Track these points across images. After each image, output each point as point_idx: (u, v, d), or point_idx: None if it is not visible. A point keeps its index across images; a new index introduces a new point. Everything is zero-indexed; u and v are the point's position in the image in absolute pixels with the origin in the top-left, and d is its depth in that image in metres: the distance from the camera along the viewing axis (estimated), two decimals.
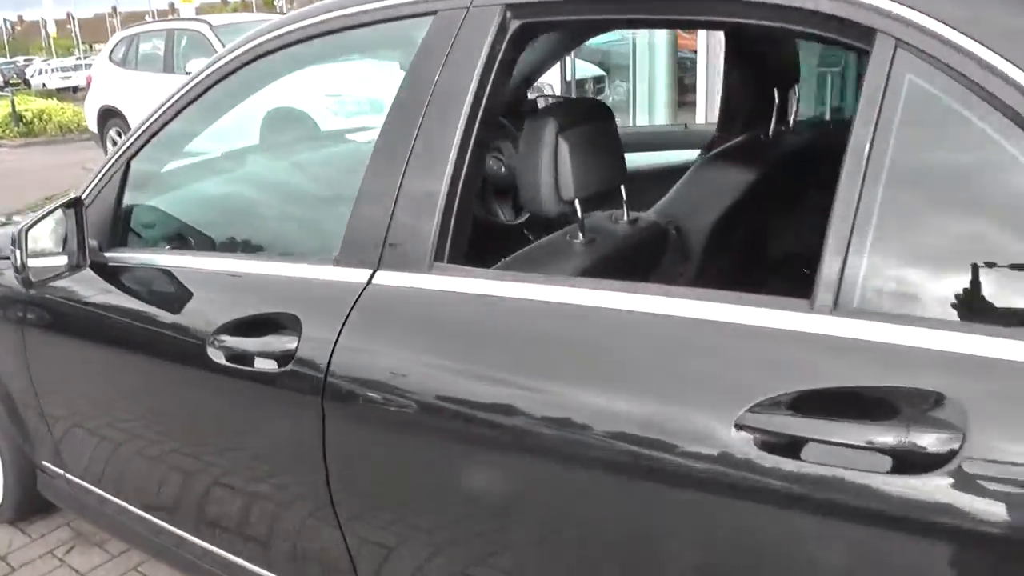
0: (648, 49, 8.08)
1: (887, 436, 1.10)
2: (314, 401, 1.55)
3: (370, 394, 1.50)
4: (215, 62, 1.86)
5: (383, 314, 1.54)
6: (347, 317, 1.53)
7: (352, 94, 7.13)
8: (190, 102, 1.88)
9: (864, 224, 1.18)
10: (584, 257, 1.75)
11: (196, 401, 1.82)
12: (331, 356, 1.53)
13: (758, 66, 2.52)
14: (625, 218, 1.95)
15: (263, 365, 1.62)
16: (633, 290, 1.35)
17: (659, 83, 8.10)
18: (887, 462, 1.10)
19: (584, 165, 1.69)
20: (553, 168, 1.66)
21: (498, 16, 1.53)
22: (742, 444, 1.17)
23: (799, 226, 2.75)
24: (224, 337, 1.67)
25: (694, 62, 8.08)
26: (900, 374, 1.13)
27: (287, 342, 1.58)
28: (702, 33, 7.12)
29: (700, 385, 1.25)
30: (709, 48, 7.18)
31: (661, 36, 7.83)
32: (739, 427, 1.18)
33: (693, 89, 8.15)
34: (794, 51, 2.64)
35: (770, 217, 2.51)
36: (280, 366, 1.59)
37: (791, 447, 1.15)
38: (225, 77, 1.84)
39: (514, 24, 1.54)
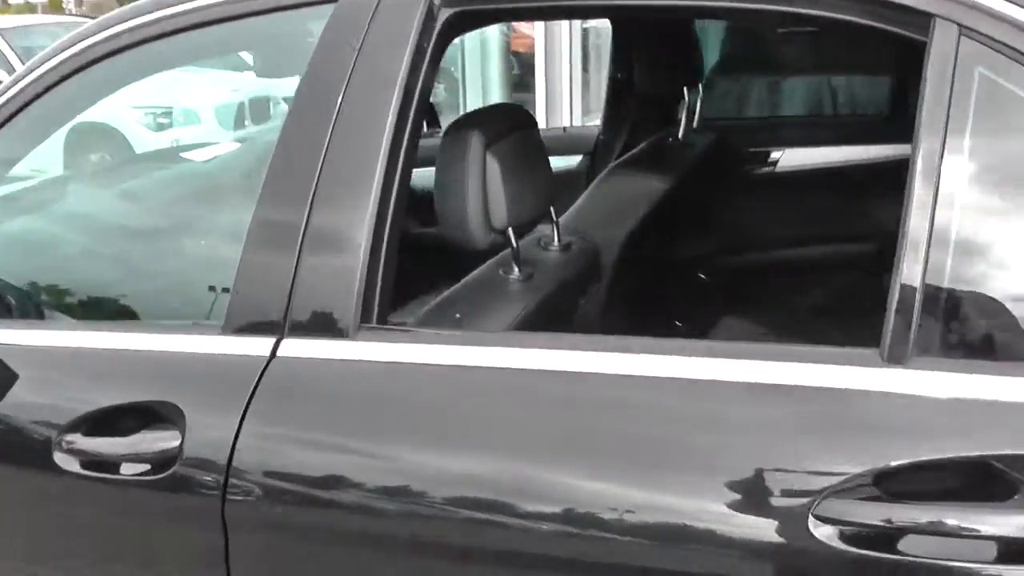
0: (480, 50, 7.86)
1: (1011, 520, 0.88)
2: (211, 512, 1.18)
3: (289, 500, 1.15)
4: (39, 67, 1.42)
5: (298, 396, 1.19)
6: (248, 403, 1.17)
7: (164, 104, 6.48)
8: (5, 121, 1.43)
9: (940, 251, 0.95)
10: (525, 297, 1.48)
11: (40, 520, 1.38)
12: (231, 455, 1.16)
13: (660, 62, 2.30)
14: (556, 243, 1.68)
15: (133, 470, 1.23)
16: (644, 349, 1.07)
17: (492, 85, 7.90)
18: (1010, 551, 0.87)
19: (518, 185, 1.42)
20: (482, 191, 1.37)
21: (422, 3, 1.21)
22: (823, 539, 0.92)
23: (707, 230, 2.59)
24: (75, 437, 1.25)
25: (525, 62, 7.93)
26: (1012, 439, 0.90)
27: (166, 440, 1.20)
28: (539, 32, 6.98)
29: (756, 470, 0.98)
30: (548, 48, 7.04)
31: (493, 35, 7.62)
32: (817, 519, 0.92)
33: (528, 89, 8.02)
34: (698, 45, 2.44)
35: (680, 224, 2.32)
36: (157, 472, 1.20)
37: (884, 540, 0.91)
38: (56, 84, 1.41)
39: (444, 13, 1.23)
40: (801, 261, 2.64)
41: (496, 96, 7.91)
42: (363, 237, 1.17)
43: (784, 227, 2.64)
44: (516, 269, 1.50)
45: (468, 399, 1.13)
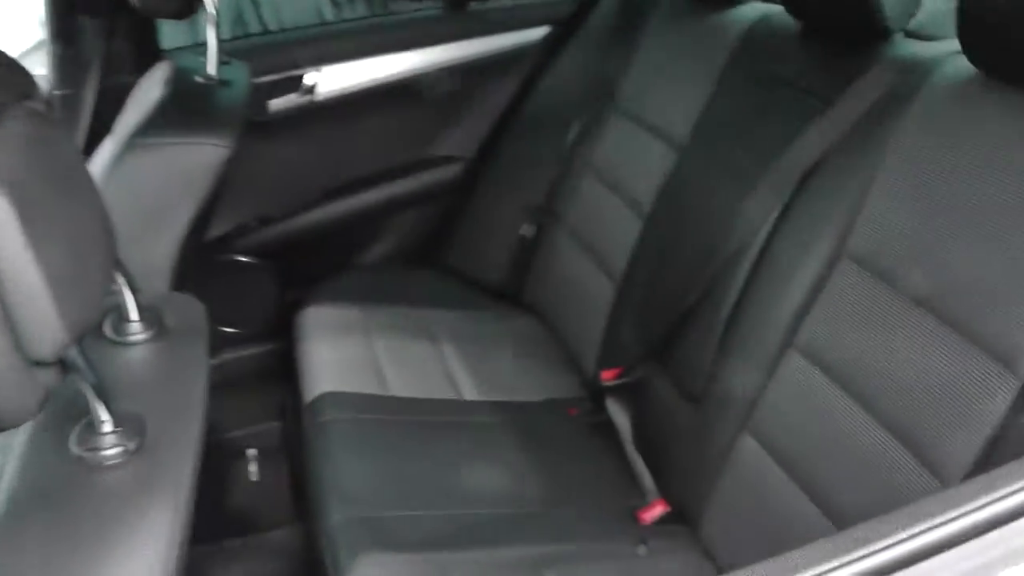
0: None
1: None
2: None
3: None
4: None
5: None
6: None
7: None
8: None
9: None
10: (156, 507, 0.74)
11: None
12: None
13: None
14: (136, 319, 0.92)
15: None
16: None
17: None
18: None
19: (68, 247, 0.65)
20: None
21: None
22: None
23: (247, 199, 1.92)
24: None
25: None
26: None
27: None
28: None
29: None
30: None
31: None
32: None
33: None
34: None
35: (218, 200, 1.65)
36: None
37: None
38: None
39: None
40: (378, 205, 2.10)
41: None
42: None
43: (346, 168, 2.06)
44: (105, 428, 0.73)
45: None
